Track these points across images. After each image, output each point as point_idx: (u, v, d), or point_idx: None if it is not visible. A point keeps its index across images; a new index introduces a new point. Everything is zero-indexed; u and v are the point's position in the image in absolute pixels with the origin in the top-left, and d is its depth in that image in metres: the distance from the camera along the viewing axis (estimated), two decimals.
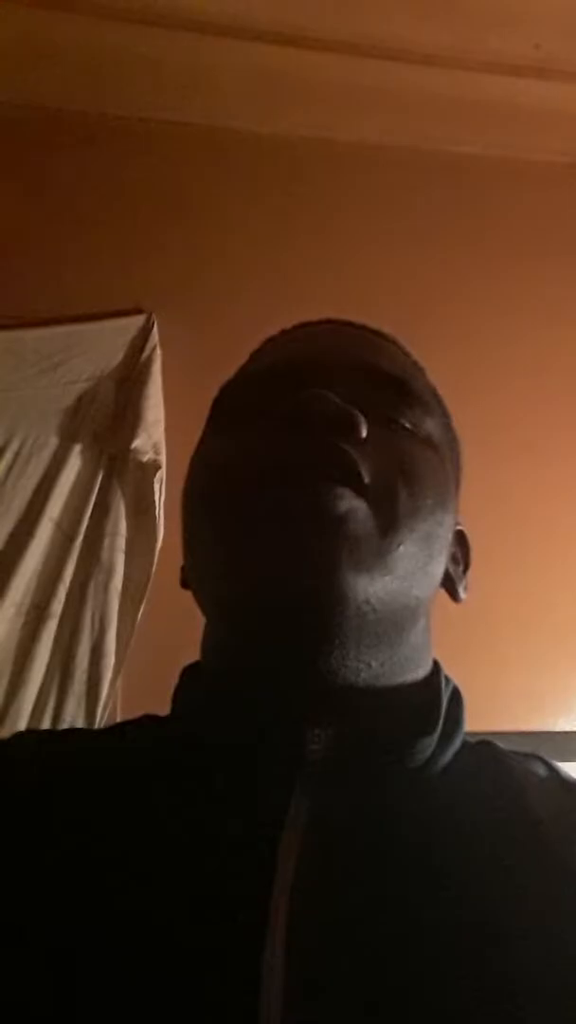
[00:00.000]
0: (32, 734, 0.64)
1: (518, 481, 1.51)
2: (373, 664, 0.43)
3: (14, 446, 1.38)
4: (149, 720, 0.49)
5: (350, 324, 0.55)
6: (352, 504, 0.41)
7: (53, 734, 0.56)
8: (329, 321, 0.56)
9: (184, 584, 0.52)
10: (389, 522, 0.42)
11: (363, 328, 0.55)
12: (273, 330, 0.57)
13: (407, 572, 0.43)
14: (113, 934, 0.35)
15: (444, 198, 1.65)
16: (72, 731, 0.56)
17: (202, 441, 0.52)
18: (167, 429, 1.40)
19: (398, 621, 0.44)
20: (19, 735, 0.52)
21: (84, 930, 0.35)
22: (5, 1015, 0.33)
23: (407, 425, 0.48)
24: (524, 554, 1.49)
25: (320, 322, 0.56)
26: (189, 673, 0.49)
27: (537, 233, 1.67)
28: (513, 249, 1.65)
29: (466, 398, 1.54)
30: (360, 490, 0.42)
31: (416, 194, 1.65)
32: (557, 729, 1.42)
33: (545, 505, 1.53)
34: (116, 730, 0.51)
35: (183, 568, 0.51)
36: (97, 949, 0.35)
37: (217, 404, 0.52)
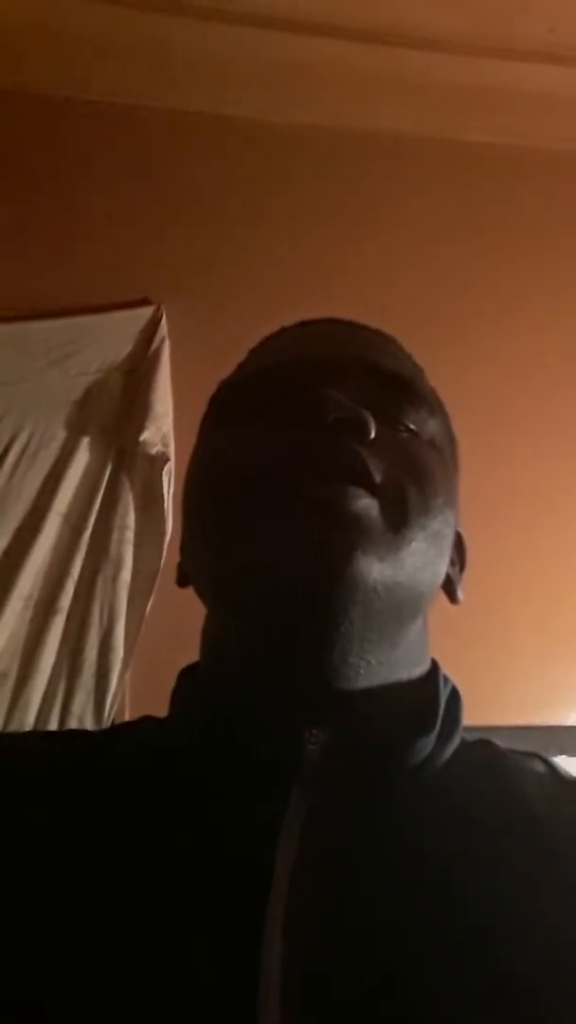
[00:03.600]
0: (30, 736, 0.64)
1: (531, 473, 1.51)
2: (372, 661, 0.43)
3: (22, 439, 1.37)
4: (147, 722, 0.49)
5: (351, 324, 0.55)
6: (364, 503, 0.42)
7: (51, 736, 0.56)
8: (330, 320, 0.56)
9: (180, 583, 0.52)
10: (401, 520, 0.43)
11: (364, 328, 0.55)
12: (283, 322, 0.57)
13: (416, 568, 0.43)
14: (110, 935, 0.35)
15: (458, 187, 1.64)
16: (70, 732, 0.56)
17: (204, 436, 0.52)
18: (175, 421, 1.40)
19: (400, 616, 0.44)
20: (17, 737, 0.52)
21: (82, 932, 0.35)
22: (4, 1015, 0.34)
23: (412, 427, 0.48)
24: (536, 547, 1.48)
25: (321, 321, 0.56)
26: (186, 675, 0.49)
27: (552, 221, 1.65)
28: (528, 238, 1.63)
29: (481, 387, 1.53)
30: (371, 489, 0.42)
31: (429, 184, 1.63)
32: (569, 723, 1.41)
33: (559, 497, 1.52)
34: (114, 732, 0.52)
35: (179, 565, 0.52)
36: (94, 950, 0.35)
37: (219, 401, 0.52)
